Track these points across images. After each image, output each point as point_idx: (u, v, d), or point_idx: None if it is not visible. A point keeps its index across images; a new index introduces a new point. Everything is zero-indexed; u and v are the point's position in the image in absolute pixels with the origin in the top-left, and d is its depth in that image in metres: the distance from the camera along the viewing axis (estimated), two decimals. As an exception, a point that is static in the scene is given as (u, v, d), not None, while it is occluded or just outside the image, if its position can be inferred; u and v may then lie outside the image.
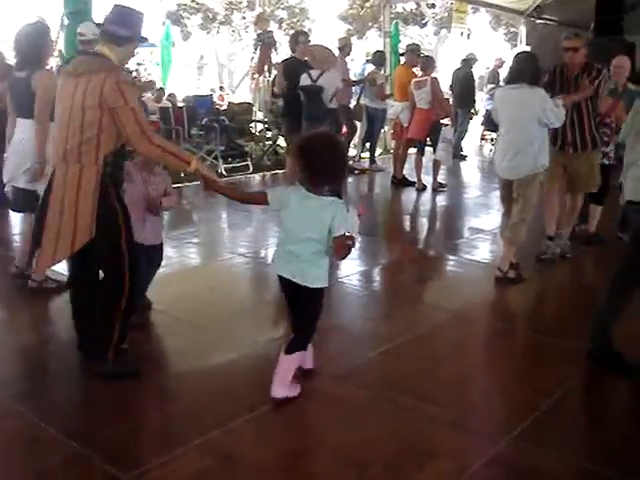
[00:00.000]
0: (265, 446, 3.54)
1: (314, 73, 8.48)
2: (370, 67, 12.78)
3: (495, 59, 18.05)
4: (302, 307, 3.83)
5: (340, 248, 3.55)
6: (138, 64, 23.55)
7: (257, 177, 11.66)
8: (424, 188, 10.58)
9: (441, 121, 10.47)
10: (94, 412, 3.86)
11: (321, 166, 3.53)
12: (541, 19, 15.11)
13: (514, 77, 6.06)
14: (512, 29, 32.21)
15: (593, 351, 4.48)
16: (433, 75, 10.65)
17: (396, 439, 3.60)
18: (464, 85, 13.51)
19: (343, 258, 3.66)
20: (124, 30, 3.95)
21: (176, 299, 5.22)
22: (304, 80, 8.54)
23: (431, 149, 10.72)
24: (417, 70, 11.22)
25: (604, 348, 4.42)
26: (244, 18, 33.93)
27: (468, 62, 13.94)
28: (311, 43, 9.38)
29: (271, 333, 4.99)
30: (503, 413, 3.99)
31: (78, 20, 8.10)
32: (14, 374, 4.33)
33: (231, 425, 3.60)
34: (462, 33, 19.10)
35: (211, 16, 34.43)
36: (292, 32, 11.39)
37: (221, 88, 24.18)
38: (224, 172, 11.36)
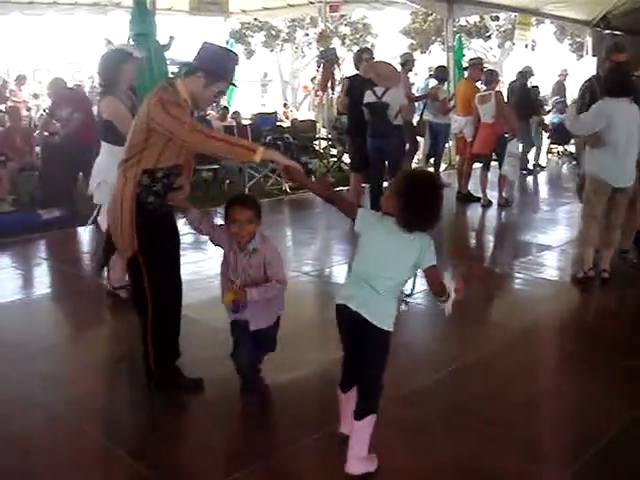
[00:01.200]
0: (329, 468, 3.51)
1: (379, 90, 8.49)
2: (433, 82, 12.69)
3: (560, 71, 17.80)
4: (366, 351, 3.41)
5: (436, 281, 3.31)
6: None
7: (321, 194, 11.63)
8: (490, 204, 10.44)
9: (506, 135, 10.35)
10: (159, 432, 3.89)
11: (421, 209, 3.22)
12: (608, 29, 14.77)
13: (617, 91, 6.16)
14: (578, 39, 31.73)
15: None
16: (497, 89, 10.54)
17: (461, 463, 3.54)
18: (520, 98, 13.29)
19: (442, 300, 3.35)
20: (194, 61, 3.94)
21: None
22: (369, 97, 8.56)
23: (496, 164, 10.59)
24: (480, 84, 11.12)
25: None
26: (307, 35, 34.21)
27: (524, 75, 13.74)
28: (375, 59, 9.38)
29: (336, 353, 4.95)
30: (571, 439, 3.88)
31: (143, 42, 8.30)
32: (81, 392, 4.38)
33: (296, 446, 3.58)
34: (527, 45, 18.89)
35: (274, 34, 34.78)
36: (355, 49, 11.40)
37: (285, 105, 24.34)
38: (288, 189, 11.41)
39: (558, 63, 24.11)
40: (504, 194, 10.48)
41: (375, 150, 8.68)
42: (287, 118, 19.18)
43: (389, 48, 30.01)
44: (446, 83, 12.71)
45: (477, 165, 10.77)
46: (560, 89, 17.02)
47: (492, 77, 10.69)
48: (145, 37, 8.48)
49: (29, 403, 4.19)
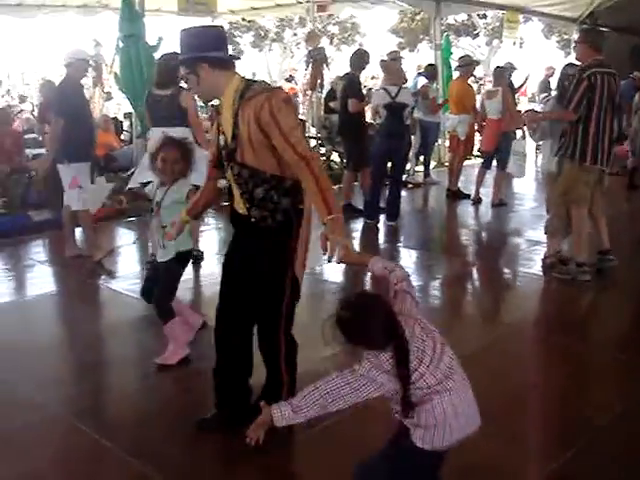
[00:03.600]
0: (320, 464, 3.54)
1: (392, 90, 8.56)
2: (422, 80, 12.75)
3: (546, 68, 17.85)
4: None
5: None
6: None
7: (311, 193, 11.67)
8: (480, 201, 10.48)
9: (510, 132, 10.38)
10: (155, 429, 3.91)
11: None
12: (595, 25, 14.86)
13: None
14: (565, 36, 31.88)
15: None
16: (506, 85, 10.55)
17: (453, 455, 3.57)
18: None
19: None
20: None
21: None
22: (382, 97, 8.62)
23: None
24: (471, 82, 11.15)
25: None
26: (295, 35, 34.22)
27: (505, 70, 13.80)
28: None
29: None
30: (560, 430, 3.93)
31: (132, 43, 8.34)
32: (76, 391, 4.44)
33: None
34: (514, 42, 18.91)
35: (263, 34, 34.82)
36: (344, 48, 11.44)
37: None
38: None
39: (545, 60, 24.19)
40: (501, 195, 10.47)
41: (385, 150, 8.72)
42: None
43: (377, 47, 30.10)
44: (434, 81, 12.77)
45: (470, 162, 10.80)
46: (546, 86, 17.08)
47: (501, 74, 10.70)
48: (134, 38, 8.50)
49: (28, 403, 4.22)
